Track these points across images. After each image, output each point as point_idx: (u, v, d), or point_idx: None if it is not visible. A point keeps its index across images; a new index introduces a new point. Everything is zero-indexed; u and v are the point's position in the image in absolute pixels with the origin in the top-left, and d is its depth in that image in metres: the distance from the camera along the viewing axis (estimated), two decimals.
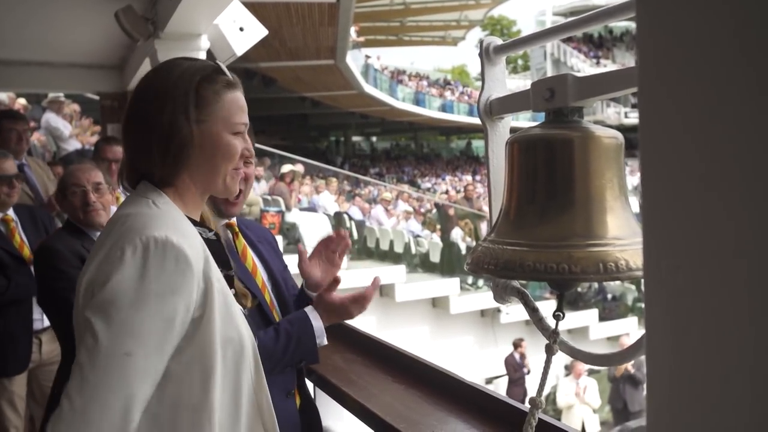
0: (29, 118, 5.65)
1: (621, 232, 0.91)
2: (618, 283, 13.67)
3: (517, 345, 10.08)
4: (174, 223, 1.09)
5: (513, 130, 1.15)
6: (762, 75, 0.47)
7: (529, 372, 10.09)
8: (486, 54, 1.09)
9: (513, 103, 1.07)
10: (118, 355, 0.98)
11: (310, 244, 9.04)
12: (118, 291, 0.99)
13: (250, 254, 1.81)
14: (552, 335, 1.04)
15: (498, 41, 1.10)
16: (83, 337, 1.00)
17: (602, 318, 13.21)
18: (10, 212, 3.05)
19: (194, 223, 1.17)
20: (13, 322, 2.91)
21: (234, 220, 1.83)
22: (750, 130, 0.48)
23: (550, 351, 1.04)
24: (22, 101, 9.56)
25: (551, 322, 1.05)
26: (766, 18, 0.46)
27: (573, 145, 0.93)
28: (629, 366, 9.00)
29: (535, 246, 0.91)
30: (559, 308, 1.04)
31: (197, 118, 1.14)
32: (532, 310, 1.04)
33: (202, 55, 3.65)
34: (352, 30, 19.71)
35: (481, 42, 1.09)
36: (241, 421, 1.09)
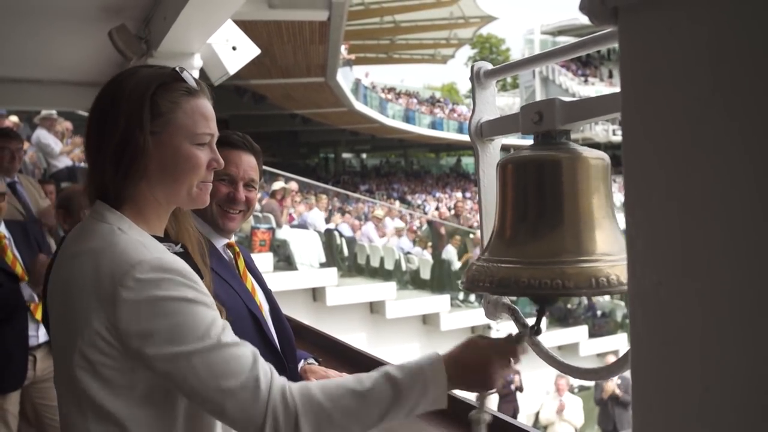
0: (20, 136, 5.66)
1: (610, 248, 0.95)
2: (607, 299, 13.74)
3: None
4: (148, 244, 1.08)
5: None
6: (734, 104, 0.50)
7: (521, 389, 10.07)
8: (477, 78, 1.13)
9: (503, 125, 1.11)
10: (214, 350, 1.01)
11: (300, 261, 8.97)
12: (164, 320, 1.00)
13: (249, 275, 1.83)
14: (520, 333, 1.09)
15: (488, 66, 1.14)
16: (170, 369, 1.01)
17: (592, 334, 13.25)
18: (3, 229, 3.04)
19: (159, 239, 1.14)
20: (8, 339, 2.89)
21: (233, 239, 1.85)
22: (724, 155, 0.51)
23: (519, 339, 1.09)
24: (13, 118, 9.54)
25: (541, 338, 1.09)
26: (739, 51, 0.49)
27: (562, 167, 0.97)
28: (616, 389, 9.03)
29: (528, 263, 0.95)
30: (538, 323, 1.08)
31: (153, 129, 1.09)
32: (523, 327, 1.07)
33: (195, 74, 3.68)
34: (343, 48, 19.83)
35: (472, 67, 1.13)
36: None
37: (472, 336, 1.13)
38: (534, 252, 0.96)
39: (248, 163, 1.77)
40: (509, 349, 1.09)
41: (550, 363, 1.04)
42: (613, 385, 9.12)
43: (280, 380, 1.04)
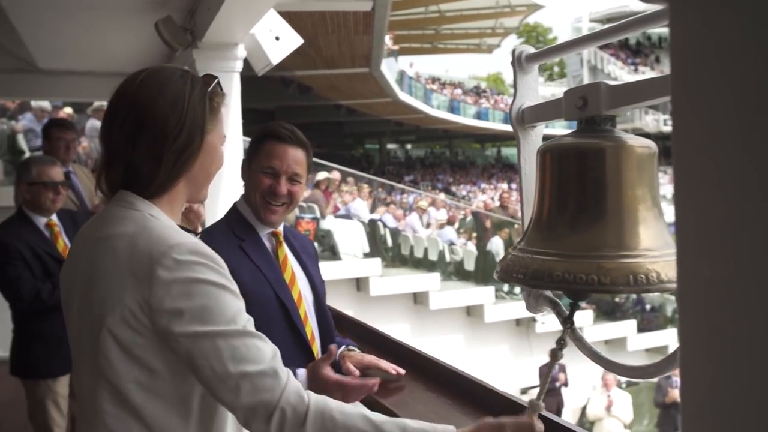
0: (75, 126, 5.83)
1: (653, 243, 0.90)
2: (657, 293, 13.41)
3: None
4: (181, 231, 1.13)
5: (547, 138, 1.16)
6: None
7: (566, 384, 9.93)
8: (518, 62, 1.09)
9: (545, 111, 1.07)
10: (238, 335, 1.04)
11: (344, 251, 9.01)
12: (196, 299, 1.04)
13: (290, 265, 1.83)
14: (559, 342, 1.05)
15: (530, 50, 1.10)
16: (190, 348, 1.04)
17: (641, 329, 12.98)
18: (54, 217, 3.14)
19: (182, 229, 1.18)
20: (59, 325, 2.97)
21: (280, 228, 1.86)
22: None
23: (554, 357, 1.06)
24: (68, 110, 9.85)
25: (586, 334, 1.05)
26: None
27: (605, 155, 0.92)
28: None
29: (564, 256, 0.91)
30: (570, 317, 1.04)
31: (207, 129, 1.16)
32: (564, 321, 1.03)
33: (239, 65, 3.72)
34: (387, 38, 19.79)
35: (513, 51, 1.09)
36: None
37: (485, 417, 1.16)
38: (572, 244, 0.91)
39: (293, 157, 1.78)
40: (526, 424, 1.10)
41: (594, 360, 0.99)
42: (677, 392, 8.91)
43: (297, 382, 1.09)
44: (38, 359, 2.97)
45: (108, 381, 1.08)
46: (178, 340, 1.04)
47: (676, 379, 8.16)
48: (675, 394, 8.79)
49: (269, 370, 1.05)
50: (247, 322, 1.08)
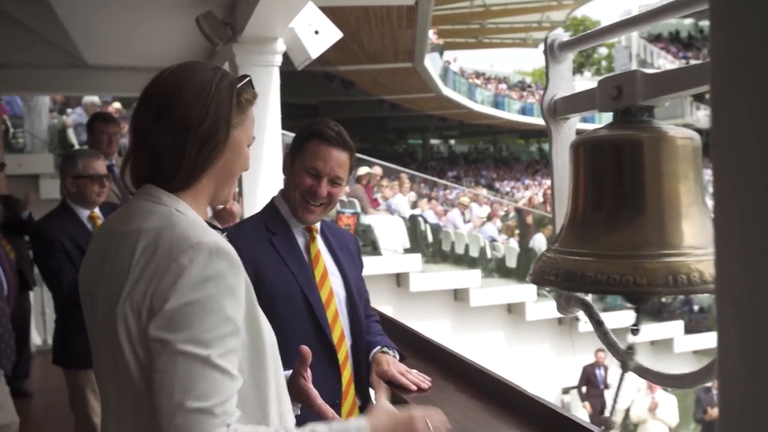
0: (123, 121, 5.95)
1: (697, 240, 0.83)
2: (707, 293, 12.98)
3: (597, 356, 9.77)
4: (205, 227, 1.10)
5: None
6: None
7: (607, 386, 9.73)
8: (551, 51, 1.03)
9: (578, 102, 1.01)
10: (200, 361, 0.99)
11: (384, 246, 8.98)
12: (184, 303, 1.01)
13: (323, 261, 1.81)
14: (626, 351, 0.98)
15: (564, 37, 1.04)
16: (157, 355, 1.01)
17: (688, 330, 12.61)
18: (96, 210, 3.19)
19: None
20: None
21: (318, 225, 1.84)
22: None
23: (625, 368, 0.99)
24: (116, 105, 10.09)
25: (630, 334, 0.99)
26: None
27: (643, 147, 0.85)
28: None
29: (599, 256, 0.84)
30: (636, 322, 0.96)
31: (233, 123, 1.15)
32: (597, 324, 0.98)
33: (279, 59, 3.72)
34: (431, 33, 19.68)
35: (545, 39, 1.03)
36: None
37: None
38: (608, 244, 0.85)
39: (337, 160, 1.76)
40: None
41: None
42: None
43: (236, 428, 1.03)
44: (78, 349, 3.02)
45: (129, 375, 1.07)
46: (151, 342, 1.02)
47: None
48: (716, 413, 8.51)
49: (209, 408, 0.98)
50: (221, 352, 1.02)
